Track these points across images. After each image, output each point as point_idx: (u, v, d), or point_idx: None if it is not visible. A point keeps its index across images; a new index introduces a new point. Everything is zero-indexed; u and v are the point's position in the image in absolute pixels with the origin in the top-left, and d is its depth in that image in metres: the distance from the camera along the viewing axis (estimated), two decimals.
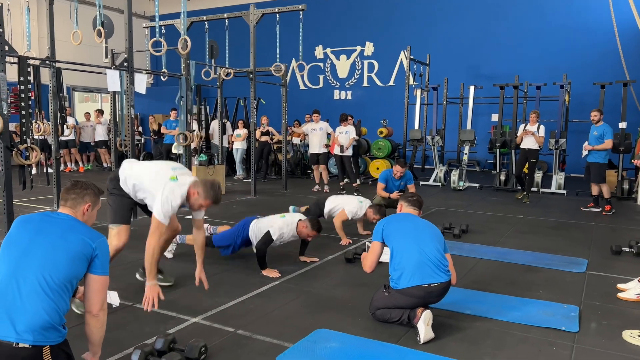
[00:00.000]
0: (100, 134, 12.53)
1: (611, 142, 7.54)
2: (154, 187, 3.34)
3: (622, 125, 8.83)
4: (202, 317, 3.29)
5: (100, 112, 12.77)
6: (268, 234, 4.27)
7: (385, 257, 3.43)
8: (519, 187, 8.98)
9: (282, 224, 4.33)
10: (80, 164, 12.75)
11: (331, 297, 3.76)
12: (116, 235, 3.49)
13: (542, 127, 8.43)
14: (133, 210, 3.67)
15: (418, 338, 2.96)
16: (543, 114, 10.41)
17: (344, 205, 5.56)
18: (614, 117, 9.65)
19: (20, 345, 1.93)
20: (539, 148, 8.46)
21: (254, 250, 4.36)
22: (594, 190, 7.72)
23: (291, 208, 6.43)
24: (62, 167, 10.23)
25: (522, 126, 8.82)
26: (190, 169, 7.52)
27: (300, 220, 4.42)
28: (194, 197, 3.24)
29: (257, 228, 4.44)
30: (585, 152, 7.74)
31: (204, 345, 2.68)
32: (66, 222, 2.22)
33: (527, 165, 8.66)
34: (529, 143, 8.44)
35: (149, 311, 3.05)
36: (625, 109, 9.01)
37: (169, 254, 4.62)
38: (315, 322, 3.25)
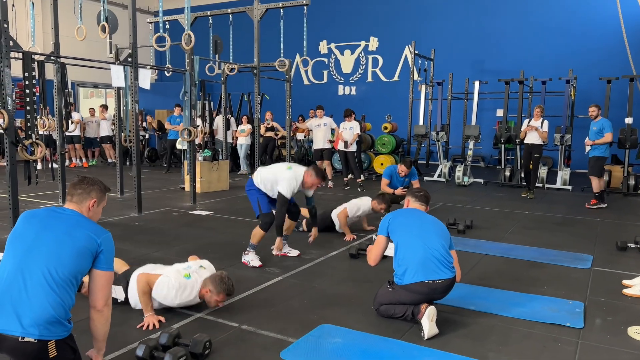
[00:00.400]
0: (105, 130, 12.56)
1: (611, 136, 7.58)
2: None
3: (628, 120, 8.79)
4: (206, 312, 3.29)
5: (104, 107, 12.80)
6: (281, 195, 4.29)
7: (391, 251, 3.42)
8: (525, 184, 8.95)
9: (290, 179, 4.30)
10: (85, 159, 12.80)
11: (335, 292, 3.77)
12: None
13: (545, 122, 8.41)
14: None
15: (422, 334, 2.96)
16: (548, 110, 10.35)
17: (347, 204, 5.63)
18: (620, 113, 9.58)
19: (26, 339, 1.94)
20: (542, 143, 8.45)
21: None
22: (600, 184, 7.75)
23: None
24: (67, 163, 10.27)
25: (525, 121, 8.80)
26: (194, 164, 7.52)
27: (306, 170, 4.39)
28: (207, 295, 3.20)
29: (263, 178, 4.47)
30: (588, 148, 7.77)
31: (208, 340, 2.69)
32: (72, 218, 2.22)
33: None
34: (532, 138, 8.42)
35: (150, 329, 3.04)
36: (631, 104, 8.95)
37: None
38: (319, 317, 3.25)
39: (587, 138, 7.81)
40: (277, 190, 4.37)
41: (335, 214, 5.60)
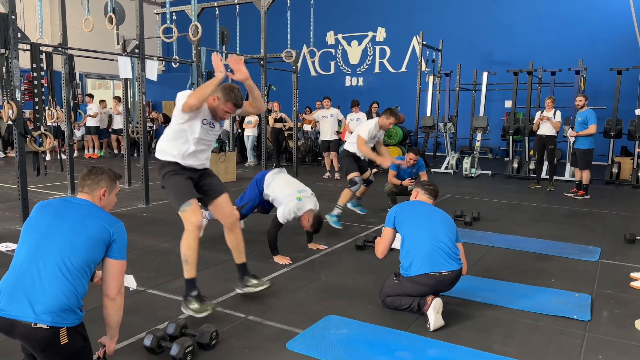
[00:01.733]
0: (119, 122, 12.61)
1: (595, 127, 7.54)
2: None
3: (639, 111, 8.69)
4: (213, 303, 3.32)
5: (118, 99, 12.84)
6: (276, 219, 4.28)
7: (398, 244, 3.43)
8: (534, 176, 8.92)
9: (294, 208, 4.28)
10: (96, 150, 12.89)
11: (341, 284, 3.78)
12: (192, 213, 3.07)
13: (558, 113, 8.34)
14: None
15: (428, 325, 2.97)
16: (558, 101, 10.23)
17: (357, 132, 5.56)
18: (630, 104, 9.48)
19: (39, 325, 1.97)
20: (556, 134, 8.38)
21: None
22: (577, 175, 7.85)
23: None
24: (75, 154, 10.32)
25: (538, 113, 8.73)
26: None
27: (309, 210, 4.36)
28: (215, 104, 3.15)
29: (272, 189, 4.52)
30: (572, 139, 7.75)
31: (215, 331, 2.71)
32: (85, 208, 2.25)
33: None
34: (545, 130, 8.32)
35: None
36: None
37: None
38: (325, 308, 3.27)
39: (570, 129, 7.79)
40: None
41: (355, 148, 5.55)
